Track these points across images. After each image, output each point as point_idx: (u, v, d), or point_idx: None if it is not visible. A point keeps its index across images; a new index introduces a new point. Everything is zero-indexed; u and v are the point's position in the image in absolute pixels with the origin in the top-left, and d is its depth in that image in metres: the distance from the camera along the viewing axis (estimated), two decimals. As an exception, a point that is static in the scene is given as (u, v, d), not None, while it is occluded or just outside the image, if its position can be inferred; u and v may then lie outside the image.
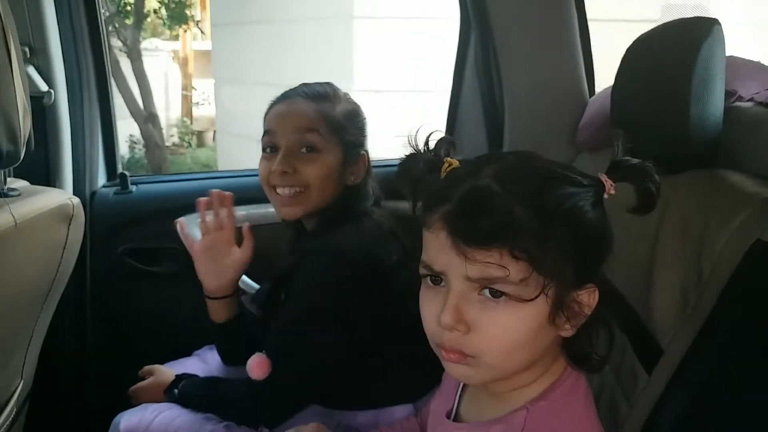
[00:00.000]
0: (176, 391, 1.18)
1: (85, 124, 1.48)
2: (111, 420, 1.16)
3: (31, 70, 1.34)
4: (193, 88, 7.73)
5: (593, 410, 0.70)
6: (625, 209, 0.65)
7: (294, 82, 1.20)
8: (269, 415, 1.12)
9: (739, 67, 1.22)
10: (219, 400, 1.15)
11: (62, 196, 1.17)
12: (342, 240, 1.08)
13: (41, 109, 1.37)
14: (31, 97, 1.02)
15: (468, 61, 1.53)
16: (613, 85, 1.17)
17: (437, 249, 0.63)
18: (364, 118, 1.20)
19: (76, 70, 1.46)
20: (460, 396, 0.77)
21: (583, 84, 1.45)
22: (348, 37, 4.58)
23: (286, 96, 1.18)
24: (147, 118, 6.01)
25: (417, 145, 0.70)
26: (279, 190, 1.13)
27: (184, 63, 7.94)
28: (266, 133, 1.16)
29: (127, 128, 5.90)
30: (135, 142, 6.53)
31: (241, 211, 1.28)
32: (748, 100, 1.18)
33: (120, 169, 1.59)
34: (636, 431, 0.80)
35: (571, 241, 0.61)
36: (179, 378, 1.20)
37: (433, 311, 0.65)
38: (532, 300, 0.60)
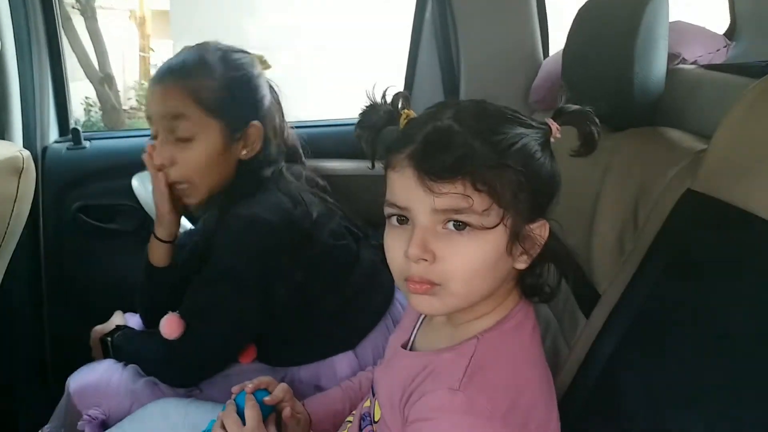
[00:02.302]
0: (109, 341, 1.19)
1: (35, 77, 1.45)
2: (67, 374, 1.16)
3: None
4: (150, 49, 7.52)
5: (538, 344, 0.75)
6: (569, 152, 0.69)
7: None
8: (182, 374, 1.13)
9: (684, 31, 1.27)
10: (140, 356, 1.16)
11: (11, 149, 1.15)
12: (255, 207, 1.05)
13: (-12, 60, 1.34)
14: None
15: (425, 21, 1.54)
16: (564, 46, 1.20)
17: (403, 187, 0.67)
18: (252, 81, 1.12)
19: (24, 22, 1.42)
20: (417, 330, 0.81)
21: (537, 46, 1.48)
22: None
23: (158, 74, 1.09)
24: (103, 79, 5.82)
25: (375, 99, 0.74)
26: (171, 183, 1.09)
27: (141, 23, 7.70)
28: (147, 118, 1.09)
29: (81, 90, 5.72)
30: (90, 105, 6.32)
31: None
32: (691, 63, 1.23)
33: (72, 125, 1.56)
34: (573, 371, 0.85)
35: (525, 176, 0.65)
36: (115, 329, 1.22)
37: (399, 247, 0.68)
38: (492, 228, 0.64)
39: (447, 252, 0.66)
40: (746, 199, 0.69)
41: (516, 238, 0.66)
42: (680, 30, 1.26)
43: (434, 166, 0.64)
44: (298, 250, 1.07)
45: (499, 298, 0.72)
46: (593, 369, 0.81)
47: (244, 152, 1.10)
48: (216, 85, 1.06)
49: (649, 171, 0.90)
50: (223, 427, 0.86)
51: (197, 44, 1.12)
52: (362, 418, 0.84)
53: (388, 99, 0.73)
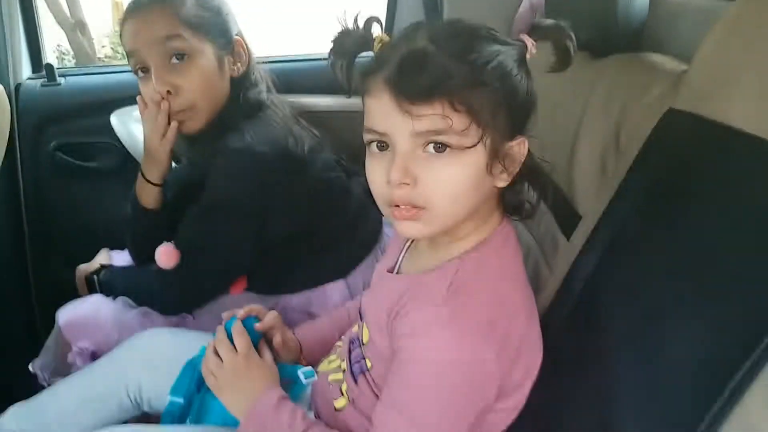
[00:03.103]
0: (96, 279, 1.20)
1: (3, 12, 1.40)
2: (54, 315, 1.17)
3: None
4: (123, -6, 7.27)
5: (520, 263, 0.77)
6: (546, 69, 0.69)
7: None
8: (178, 303, 1.16)
9: (668, -43, 1.25)
10: (133, 288, 1.18)
11: (-15, 82, 1.13)
12: (247, 138, 1.06)
13: (-45, -8, 1.29)
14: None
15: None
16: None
17: (380, 112, 0.67)
18: (223, 1, 1.14)
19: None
20: (403, 255, 0.83)
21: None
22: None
23: (134, 8, 1.09)
24: (75, 25, 5.65)
25: (347, 24, 0.72)
26: (173, 109, 1.08)
27: (112, -34, 7.43)
28: (130, 54, 1.08)
29: (53, 38, 5.54)
30: (64, 53, 6.14)
31: None
32: (675, -10, 1.22)
33: (45, 61, 1.52)
34: (554, 290, 0.87)
35: (502, 93, 0.65)
36: (100, 268, 1.23)
37: (380, 174, 0.68)
38: (472, 147, 0.65)
39: (429, 175, 0.66)
40: (726, 113, 0.70)
41: (496, 156, 0.67)
42: (664, -44, 1.24)
43: (411, 89, 0.63)
44: (292, 181, 1.09)
45: (481, 217, 0.73)
46: (573, 287, 0.83)
47: (235, 67, 1.11)
48: (193, 6, 1.07)
49: (632, 93, 0.90)
50: (216, 353, 0.88)
51: None
52: (351, 342, 0.86)
53: (361, 25, 0.72)
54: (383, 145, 0.69)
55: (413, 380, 0.69)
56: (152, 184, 1.15)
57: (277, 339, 0.95)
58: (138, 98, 1.12)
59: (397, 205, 0.68)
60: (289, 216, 1.11)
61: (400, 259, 0.83)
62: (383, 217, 1.23)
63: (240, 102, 1.12)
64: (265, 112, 1.13)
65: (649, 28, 1.07)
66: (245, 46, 1.14)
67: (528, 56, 0.69)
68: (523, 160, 0.70)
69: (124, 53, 1.11)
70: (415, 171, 0.66)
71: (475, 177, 0.67)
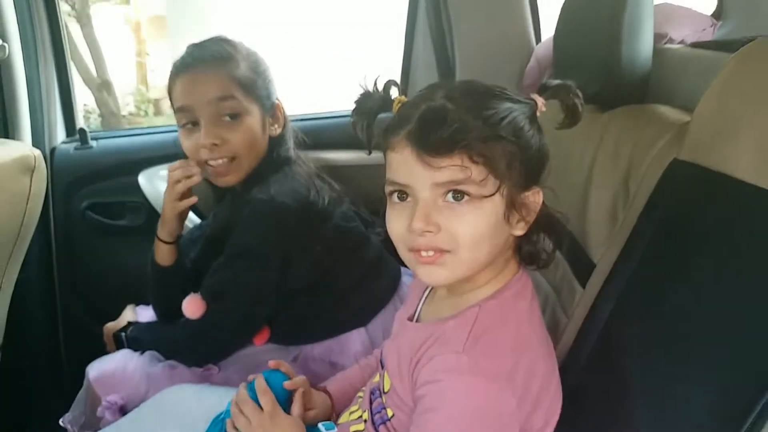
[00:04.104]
0: (123, 335, 1.24)
1: (41, 79, 1.49)
2: (82, 370, 1.20)
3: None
4: (146, 53, 7.53)
5: (537, 311, 0.79)
6: (555, 126, 0.73)
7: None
8: (205, 352, 1.18)
9: (671, 12, 1.31)
10: (160, 340, 1.21)
11: (23, 148, 1.19)
12: (272, 190, 1.10)
13: (-6, 64, 1.38)
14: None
15: (419, 10, 1.58)
16: (555, 30, 1.23)
17: (402, 165, 0.71)
18: (267, 65, 1.20)
19: (30, 26, 1.46)
20: (422, 304, 0.85)
21: (529, 32, 1.52)
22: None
23: (188, 66, 1.14)
24: (101, 85, 5.84)
25: (367, 87, 0.78)
26: (212, 163, 1.13)
27: (136, 28, 7.72)
28: (181, 109, 1.13)
29: (80, 97, 5.74)
30: (89, 112, 6.34)
31: None
32: (678, 43, 1.27)
33: (79, 125, 1.60)
34: (572, 337, 0.89)
35: (516, 147, 0.69)
36: (128, 325, 1.26)
37: (401, 223, 0.72)
38: (490, 196, 0.69)
39: (450, 221, 0.69)
40: (726, 163, 0.73)
41: (513, 205, 0.71)
42: (667, 11, 1.30)
43: (432, 142, 0.68)
44: (312, 231, 1.13)
45: (498, 266, 0.76)
46: (591, 333, 0.85)
47: (274, 128, 1.18)
48: (246, 69, 1.14)
49: (639, 144, 0.94)
50: (241, 412, 0.89)
51: (211, 38, 1.18)
52: (372, 392, 0.88)
53: (380, 87, 0.78)
54: (404, 196, 0.73)
55: (437, 427, 0.70)
56: (163, 242, 1.20)
57: (295, 409, 0.92)
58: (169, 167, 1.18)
59: (420, 253, 0.71)
60: (309, 265, 1.15)
61: (419, 307, 0.86)
62: (401, 267, 1.26)
63: (272, 158, 1.17)
64: (290, 166, 1.18)
65: (654, 80, 1.11)
66: (282, 109, 1.20)
67: (538, 113, 0.74)
68: (538, 210, 0.73)
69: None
70: (437, 219, 0.70)
71: (494, 224, 0.70)
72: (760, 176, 0.68)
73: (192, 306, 1.13)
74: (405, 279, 1.31)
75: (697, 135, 0.80)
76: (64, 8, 5.39)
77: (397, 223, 0.73)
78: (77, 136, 1.57)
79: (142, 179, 1.54)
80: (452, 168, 0.68)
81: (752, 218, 0.67)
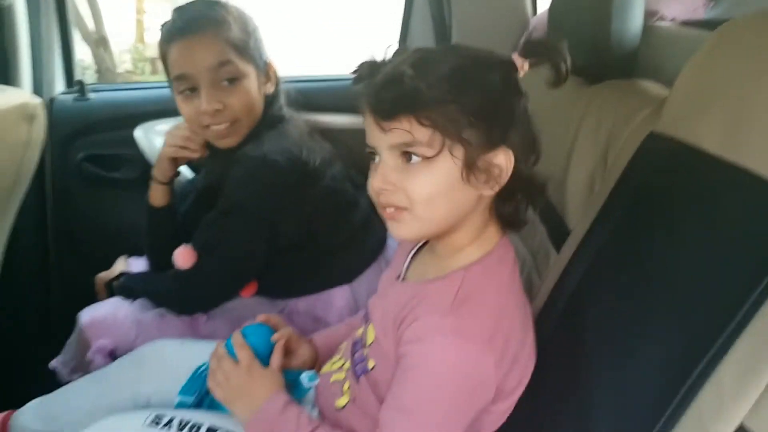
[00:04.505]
0: (115, 283, 1.28)
1: (42, 30, 1.50)
2: (73, 317, 1.25)
3: (-14, -28, 1.35)
4: (144, 11, 7.43)
5: (517, 276, 0.82)
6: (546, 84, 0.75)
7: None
8: (194, 302, 1.22)
9: (664, -10, 1.32)
10: (151, 289, 1.25)
11: (24, 96, 1.21)
12: (264, 148, 1.13)
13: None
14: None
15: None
16: (550, 3, 1.25)
17: (368, 128, 0.75)
18: (256, 24, 1.21)
19: (33, -21, 1.46)
20: (409, 263, 0.89)
21: (525, 4, 1.53)
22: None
23: (182, 31, 1.14)
24: (98, 41, 5.79)
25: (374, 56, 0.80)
26: (213, 128, 1.16)
27: (135, -17, 7.60)
28: (179, 77, 1.14)
29: (77, 52, 5.69)
30: (86, 68, 6.29)
31: None
32: (670, 20, 1.29)
33: (77, 77, 1.61)
34: (544, 299, 0.93)
35: (475, 109, 0.70)
36: (120, 274, 1.30)
37: (371, 182, 0.76)
38: (434, 157, 0.71)
39: (404, 181, 0.73)
40: (699, 137, 0.76)
41: (471, 166, 0.72)
42: (660, -11, 1.31)
43: (380, 107, 0.72)
44: (302, 189, 1.16)
45: (475, 227, 0.78)
46: (561, 296, 0.89)
47: (267, 86, 1.20)
48: (239, 31, 1.16)
49: (619, 117, 0.97)
50: (219, 367, 0.91)
51: (199, 1, 1.19)
52: (354, 344, 0.91)
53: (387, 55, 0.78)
54: (374, 157, 0.76)
55: (418, 385, 0.74)
56: (158, 182, 1.25)
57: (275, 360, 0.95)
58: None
59: (385, 209, 0.76)
60: (298, 223, 1.18)
61: (405, 267, 0.89)
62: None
63: (265, 116, 1.20)
64: (283, 125, 1.21)
65: (643, 55, 1.13)
66: (274, 68, 1.22)
67: (521, 74, 0.75)
68: (508, 171, 0.74)
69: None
70: (394, 178, 0.73)
71: (448, 184, 0.73)
72: (727, 150, 0.71)
73: (183, 257, 1.16)
74: (391, 242, 1.35)
75: (674, 109, 0.84)
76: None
77: (370, 182, 0.77)
78: (76, 87, 1.58)
79: (139, 133, 1.56)
80: (400, 131, 0.71)
81: (716, 191, 0.70)
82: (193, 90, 1.14)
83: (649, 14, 1.23)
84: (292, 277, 1.25)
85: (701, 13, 1.34)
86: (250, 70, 1.16)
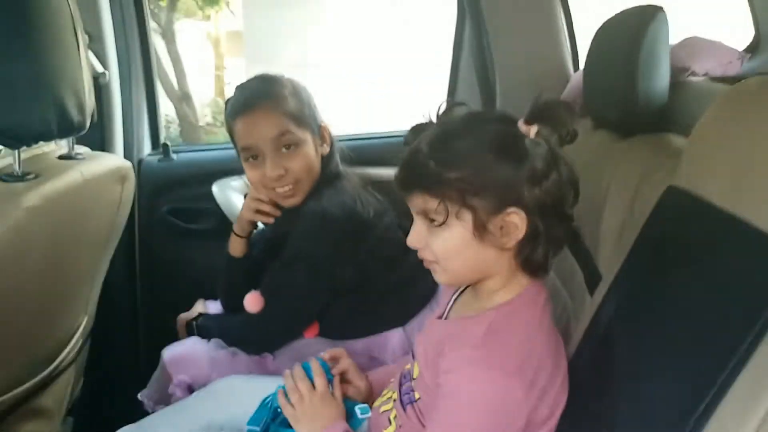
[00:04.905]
0: (194, 323, 1.43)
1: (133, 101, 1.71)
2: (158, 355, 1.39)
3: (90, 54, 1.57)
4: (224, 67, 7.91)
5: (549, 316, 0.91)
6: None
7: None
8: (262, 343, 1.35)
9: (697, 46, 1.38)
10: (225, 330, 1.39)
11: (118, 160, 1.40)
12: (324, 203, 1.26)
13: (98, 87, 1.58)
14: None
15: (464, 44, 1.72)
16: (585, 59, 1.35)
17: None
18: (309, 92, 1.35)
19: (125, 54, 1.68)
20: (452, 304, 0.99)
21: (566, 60, 1.63)
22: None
23: (245, 108, 1.29)
24: (181, 97, 6.23)
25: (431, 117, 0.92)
26: (279, 190, 1.30)
27: (215, 43, 8.13)
28: (245, 148, 1.29)
29: (162, 109, 6.12)
30: (170, 122, 6.71)
31: None
32: (703, 75, 1.35)
33: (162, 140, 1.82)
34: (580, 338, 0.99)
35: (477, 180, 0.81)
36: (198, 315, 1.45)
37: None
38: (444, 224, 0.83)
39: (429, 240, 0.86)
40: (708, 190, 0.83)
41: (481, 228, 0.83)
42: (693, 45, 1.38)
43: (400, 182, 0.87)
44: (358, 238, 1.29)
45: (505, 274, 0.88)
46: (592, 337, 0.96)
47: (324, 147, 1.34)
48: (294, 102, 1.30)
49: (646, 170, 1.04)
50: (295, 388, 1.03)
51: (255, 78, 1.35)
52: (403, 377, 1.02)
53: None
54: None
55: (450, 411, 0.84)
56: (238, 236, 1.40)
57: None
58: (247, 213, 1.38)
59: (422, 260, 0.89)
60: (354, 269, 1.30)
61: (448, 307, 1.00)
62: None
63: (323, 174, 1.33)
64: (340, 181, 1.34)
65: (674, 110, 1.20)
66: (328, 130, 1.36)
67: (532, 137, 0.83)
68: (522, 228, 0.83)
69: (233, 142, 1.34)
70: (421, 237, 0.87)
71: (463, 243, 0.84)
72: (734, 202, 0.78)
73: (252, 301, 1.31)
74: (443, 287, 1.45)
75: (688, 162, 0.91)
76: (151, 25, 5.80)
77: (408, 239, 0.90)
78: (161, 150, 1.79)
79: (215, 188, 1.74)
80: (418, 201, 0.85)
81: (720, 241, 0.77)
82: (256, 157, 1.29)
83: (680, 70, 1.30)
84: (349, 319, 1.37)
85: (737, 67, 1.39)
86: (306, 136, 1.30)
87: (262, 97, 1.29)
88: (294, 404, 1.02)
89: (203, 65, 7.68)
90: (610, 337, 0.92)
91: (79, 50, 1.14)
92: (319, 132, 1.34)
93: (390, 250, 1.36)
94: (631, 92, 1.15)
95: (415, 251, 1.39)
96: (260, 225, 1.62)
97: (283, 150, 1.28)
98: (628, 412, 0.80)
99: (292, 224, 1.30)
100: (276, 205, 1.37)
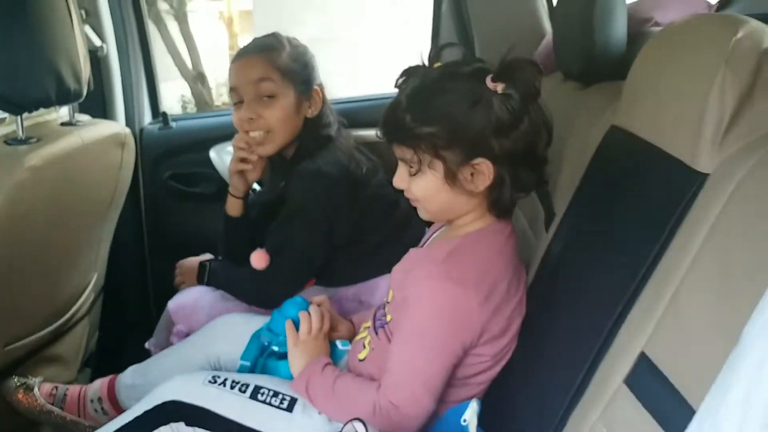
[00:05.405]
0: (208, 264, 1.50)
1: (131, 72, 1.81)
2: (163, 305, 1.49)
3: (87, 29, 1.67)
4: (237, 47, 7.96)
5: (512, 246, 1.01)
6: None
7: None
8: (270, 297, 1.39)
9: (662, -3, 1.43)
10: (233, 282, 1.47)
11: (117, 126, 1.50)
12: (318, 162, 1.34)
13: (97, 60, 1.69)
14: (88, 50, 1.34)
15: (443, 9, 1.79)
16: (551, 18, 1.41)
17: None
18: (311, 57, 1.41)
19: (122, 29, 1.77)
20: (430, 238, 1.12)
21: (541, 18, 1.68)
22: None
23: (240, 54, 1.38)
24: (196, 77, 6.32)
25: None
26: (252, 134, 1.36)
27: (229, 23, 8.21)
28: (232, 89, 1.38)
29: (178, 89, 6.24)
30: (186, 102, 6.83)
31: None
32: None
33: (161, 109, 1.92)
34: (535, 269, 1.09)
35: (448, 134, 0.90)
36: (208, 261, 1.53)
37: None
38: (419, 171, 0.94)
39: (409, 184, 0.97)
40: (636, 126, 0.90)
41: (451, 176, 0.92)
42: (658, -3, 1.42)
43: (382, 132, 0.97)
44: (352, 196, 1.36)
45: (476, 212, 0.99)
46: (545, 266, 1.05)
47: (310, 111, 1.40)
48: (287, 58, 1.36)
49: (596, 114, 1.11)
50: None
51: (266, 34, 1.42)
52: (378, 308, 1.12)
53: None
54: None
55: (413, 319, 0.95)
56: (234, 196, 1.48)
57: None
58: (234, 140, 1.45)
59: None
60: (349, 224, 1.38)
61: (426, 240, 1.12)
62: (426, 226, 1.49)
63: (313, 137, 1.40)
64: (333, 143, 1.42)
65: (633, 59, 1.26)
66: (321, 95, 1.42)
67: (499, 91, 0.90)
68: (491, 175, 0.92)
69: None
70: (403, 181, 0.98)
71: (434, 188, 0.95)
72: (654, 134, 0.85)
73: (258, 259, 1.37)
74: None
75: (624, 103, 0.98)
76: (162, 7, 5.87)
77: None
78: (161, 119, 1.89)
79: (213, 153, 1.83)
80: (398, 150, 0.96)
81: (643, 169, 0.85)
82: (242, 102, 1.37)
83: (643, 21, 1.35)
84: (342, 269, 1.45)
85: (702, 15, 1.43)
86: (289, 91, 1.36)
87: (255, 47, 1.38)
88: (301, 333, 1.13)
89: (217, 45, 7.78)
90: (557, 264, 1.01)
91: (73, 24, 1.23)
92: (308, 94, 1.40)
93: (381, 206, 1.44)
94: (589, 42, 1.21)
95: (404, 204, 1.49)
96: (256, 187, 1.72)
97: (264, 99, 1.35)
98: (566, 317, 0.89)
99: (287, 184, 1.38)
100: (269, 165, 1.44)
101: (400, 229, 1.47)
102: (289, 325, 1.15)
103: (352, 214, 1.38)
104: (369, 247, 1.44)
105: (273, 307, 1.43)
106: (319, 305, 1.21)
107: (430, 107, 0.91)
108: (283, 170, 1.45)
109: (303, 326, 1.13)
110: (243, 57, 1.38)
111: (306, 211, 1.34)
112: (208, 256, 1.59)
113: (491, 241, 0.98)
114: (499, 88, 0.91)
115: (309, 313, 1.16)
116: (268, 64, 1.35)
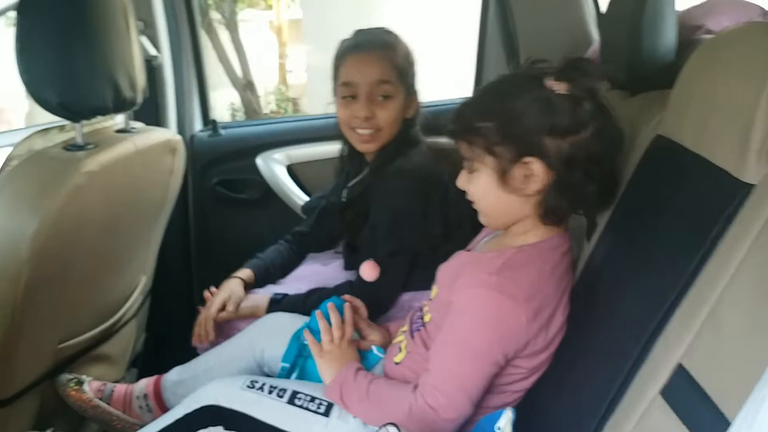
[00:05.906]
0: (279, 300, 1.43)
1: (184, 81, 1.86)
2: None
3: (144, 39, 1.73)
4: (286, 55, 8.11)
5: (566, 264, 1.00)
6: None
7: None
8: (383, 305, 1.37)
9: (714, 4, 1.40)
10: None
11: (168, 134, 1.55)
12: (414, 161, 1.32)
13: (152, 69, 1.75)
14: (144, 60, 1.39)
15: (489, 16, 1.79)
16: (599, 26, 1.40)
17: None
18: (415, 59, 1.39)
19: (177, 39, 1.83)
20: (482, 241, 1.12)
21: (588, 27, 1.67)
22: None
23: (359, 47, 1.35)
24: (245, 86, 6.47)
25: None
26: (359, 131, 1.34)
27: (278, 32, 8.36)
28: (346, 84, 1.34)
29: (227, 97, 6.41)
30: (236, 110, 6.99)
31: None
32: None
33: (211, 117, 1.97)
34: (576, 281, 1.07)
35: (500, 130, 0.92)
36: (277, 296, 1.44)
37: None
38: (478, 167, 0.95)
39: (468, 185, 0.99)
40: (681, 135, 0.89)
41: (504, 175, 0.93)
42: (713, 4, 1.39)
43: (449, 131, 0.99)
44: (440, 196, 1.31)
45: (530, 221, 0.98)
46: (588, 273, 1.04)
47: (410, 112, 1.38)
48: (403, 58, 1.36)
49: (643, 123, 1.09)
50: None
51: (377, 28, 1.42)
52: (416, 311, 1.12)
53: None
54: None
55: (460, 324, 0.95)
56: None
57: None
58: None
59: None
60: (440, 222, 1.32)
61: (477, 243, 1.12)
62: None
63: (408, 137, 1.38)
64: (419, 146, 1.39)
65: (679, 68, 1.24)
66: (417, 97, 1.41)
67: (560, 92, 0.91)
68: (543, 177, 0.92)
69: (339, 83, 1.36)
70: (464, 180, 1.00)
71: (489, 186, 0.95)
72: (699, 144, 0.84)
73: (369, 270, 1.33)
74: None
75: (671, 112, 0.96)
76: (215, 16, 6.03)
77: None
78: (210, 126, 1.94)
79: (259, 161, 1.88)
80: (460, 147, 0.97)
81: (685, 178, 0.83)
82: (353, 98, 1.33)
83: (693, 28, 1.32)
84: (409, 275, 1.37)
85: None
86: (400, 93, 1.34)
87: (377, 42, 1.36)
88: (324, 344, 1.13)
89: (266, 54, 7.94)
90: (597, 273, 1.00)
91: (130, 35, 1.29)
92: (411, 96, 1.38)
93: (460, 211, 1.40)
94: (636, 49, 1.20)
95: (470, 219, 1.47)
96: (299, 197, 1.73)
97: (379, 98, 1.33)
98: (604, 327, 0.88)
99: (375, 184, 1.36)
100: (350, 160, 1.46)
101: (468, 238, 1.44)
102: (309, 337, 1.15)
103: (443, 213, 1.33)
104: (438, 256, 1.41)
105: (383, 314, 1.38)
106: (356, 310, 1.22)
107: (488, 103, 0.94)
108: (370, 170, 1.42)
109: (324, 337, 1.14)
110: (363, 53, 1.35)
111: (404, 211, 1.31)
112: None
113: (546, 257, 0.98)
114: (561, 88, 0.92)
115: (329, 323, 1.15)
116: (388, 64, 1.33)
